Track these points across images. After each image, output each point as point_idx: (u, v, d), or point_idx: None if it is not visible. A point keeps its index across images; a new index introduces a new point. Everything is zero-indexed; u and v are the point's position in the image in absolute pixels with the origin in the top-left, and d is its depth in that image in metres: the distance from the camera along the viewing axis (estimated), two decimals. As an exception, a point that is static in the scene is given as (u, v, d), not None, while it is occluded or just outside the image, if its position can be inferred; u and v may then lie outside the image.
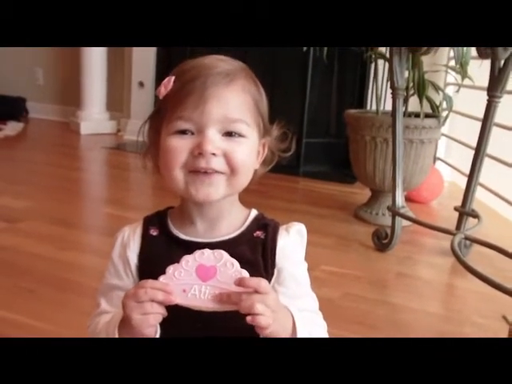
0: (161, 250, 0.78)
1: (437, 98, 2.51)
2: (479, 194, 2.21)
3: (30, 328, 1.42)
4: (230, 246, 0.79)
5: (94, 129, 4.23)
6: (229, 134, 0.73)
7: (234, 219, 0.82)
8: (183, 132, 0.73)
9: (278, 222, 0.84)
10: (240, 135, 0.74)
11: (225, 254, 0.70)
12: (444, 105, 2.55)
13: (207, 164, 0.72)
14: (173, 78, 0.75)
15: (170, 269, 0.69)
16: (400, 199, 2.09)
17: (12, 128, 4.18)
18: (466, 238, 1.90)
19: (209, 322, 0.78)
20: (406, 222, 2.20)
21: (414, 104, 2.43)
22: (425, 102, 2.39)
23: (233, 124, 0.73)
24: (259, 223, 0.82)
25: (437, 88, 2.50)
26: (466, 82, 2.48)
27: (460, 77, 2.49)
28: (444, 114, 2.49)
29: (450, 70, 2.76)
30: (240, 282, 0.68)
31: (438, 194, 2.78)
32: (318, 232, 2.17)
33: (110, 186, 3.17)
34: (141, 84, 4.00)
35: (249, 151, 0.76)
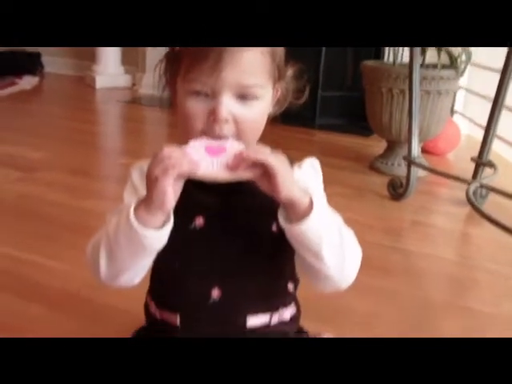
0: None
1: (455, 50, 2.47)
2: (496, 146, 2.19)
3: (49, 268, 1.46)
4: (245, 182, 0.80)
5: (109, 83, 4.21)
6: (243, 97, 0.74)
7: None
8: (199, 92, 0.74)
9: (292, 159, 0.85)
10: (254, 97, 0.75)
11: (231, 138, 0.73)
12: (463, 57, 2.50)
13: (220, 131, 0.74)
14: None
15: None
16: (416, 149, 2.08)
17: (27, 82, 4.18)
18: (482, 186, 1.89)
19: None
20: (421, 173, 2.20)
21: (432, 56, 2.39)
22: (443, 54, 2.35)
23: (247, 89, 0.74)
24: None
25: (456, 38, 2.45)
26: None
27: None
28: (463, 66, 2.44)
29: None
30: (248, 154, 0.69)
31: (454, 146, 2.76)
32: (333, 183, 2.16)
33: (125, 138, 3.17)
34: (155, 37, 3.96)
35: (261, 113, 0.77)
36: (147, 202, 0.70)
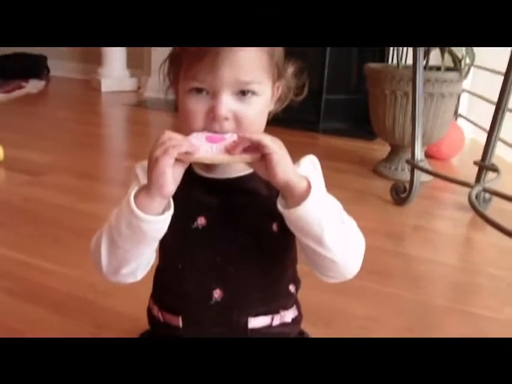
0: (182, 186, 0.79)
1: (459, 52, 2.47)
2: (500, 150, 2.19)
3: (55, 272, 1.48)
4: (246, 181, 0.82)
5: (114, 86, 4.24)
6: (242, 93, 0.75)
7: None
8: (199, 90, 0.75)
9: (292, 158, 0.85)
10: (253, 93, 0.76)
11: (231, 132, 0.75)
12: (467, 60, 2.50)
13: (220, 128, 0.75)
14: None
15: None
16: (419, 153, 2.09)
17: (33, 86, 4.21)
18: (485, 190, 1.89)
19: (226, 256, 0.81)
20: (424, 178, 2.20)
21: (436, 58, 2.40)
22: (447, 56, 2.36)
23: (245, 85, 0.75)
24: None
25: (459, 41, 2.45)
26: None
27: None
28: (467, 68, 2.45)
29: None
30: (243, 137, 0.71)
31: (458, 151, 2.76)
32: (336, 186, 2.12)
33: (130, 141, 3.19)
34: (161, 41, 3.98)
35: (260, 109, 0.78)
36: (147, 187, 0.72)
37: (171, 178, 0.70)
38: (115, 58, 4.28)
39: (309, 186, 0.71)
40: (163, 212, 0.73)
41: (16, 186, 2.14)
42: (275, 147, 0.70)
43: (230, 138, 0.73)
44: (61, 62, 4.75)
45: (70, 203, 1.96)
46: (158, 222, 0.73)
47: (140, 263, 0.80)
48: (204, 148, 0.72)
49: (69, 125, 3.24)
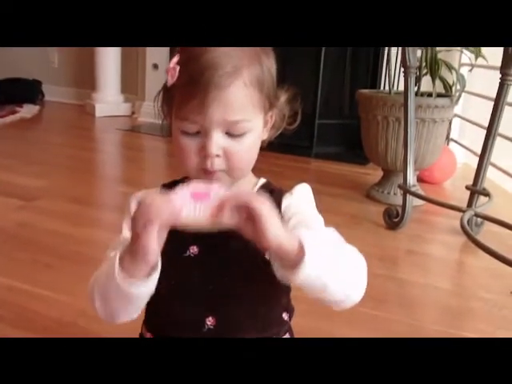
0: None
1: (450, 78, 2.51)
2: (492, 174, 2.21)
3: (46, 298, 1.47)
4: None
5: (108, 111, 4.26)
6: (232, 131, 0.76)
7: (244, 186, 0.84)
8: (190, 129, 0.76)
9: (284, 188, 0.86)
10: (243, 131, 0.77)
11: (217, 184, 0.71)
12: (458, 86, 2.54)
13: (212, 166, 0.76)
14: (178, 67, 0.76)
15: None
16: (411, 177, 2.10)
17: (28, 110, 4.23)
18: (476, 215, 1.91)
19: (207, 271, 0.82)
20: (417, 202, 2.21)
21: (427, 84, 2.43)
22: (438, 82, 2.39)
23: (234, 125, 0.76)
24: (266, 189, 0.85)
25: (450, 67, 2.49)
26: (480, 61, 2.47)
27: (474, 56, 2.48)
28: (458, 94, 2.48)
29: (463, 49, 2.75)
30: (230, 199, 0.68)
31: (450, 175, 2.78)
32: (329, 211, 2.14)
33: (124, 166, 3.20)
34: (155, 66, 4.01)
35: (251, 144, 0.79)
36: (132, 254, 0.71)
37: (155, 249, 0.69)
38: (109, 83, 4.30)
39: (301, 247, 0.68)
40: (150, 273, 0.72)
41: (9, 211, 2.13)
42: (264, 209, 0.67)
43: (216, 195, 0.70)
44: (55, 87, 4.77)
45: (63, 228, 1.96)
46: (146, 286, 0.73)
47: (134, 310, 0.80)
48: (187, 208, 0.69)
49: (63, 150, 3.25)
